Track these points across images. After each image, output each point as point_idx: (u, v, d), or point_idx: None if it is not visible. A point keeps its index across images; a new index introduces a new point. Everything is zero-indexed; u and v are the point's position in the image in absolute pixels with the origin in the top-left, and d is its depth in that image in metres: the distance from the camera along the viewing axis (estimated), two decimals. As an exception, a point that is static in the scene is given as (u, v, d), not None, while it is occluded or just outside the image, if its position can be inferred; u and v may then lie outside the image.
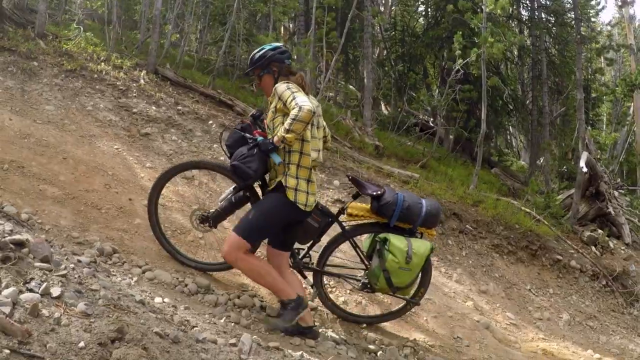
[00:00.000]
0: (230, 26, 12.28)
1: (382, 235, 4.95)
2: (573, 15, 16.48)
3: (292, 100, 4.35)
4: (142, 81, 9.80)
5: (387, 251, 4.83)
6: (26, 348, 2.32)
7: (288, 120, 4.32)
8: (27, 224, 4.04)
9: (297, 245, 5.21)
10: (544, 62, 16.64)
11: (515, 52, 19.02)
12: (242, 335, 3.38)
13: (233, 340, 3.25)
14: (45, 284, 2.78)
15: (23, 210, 5.18)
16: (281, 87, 4.53)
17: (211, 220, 5.24)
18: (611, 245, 10.51)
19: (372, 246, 5.13)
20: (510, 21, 18.32)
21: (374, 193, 5.04)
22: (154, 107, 9.02)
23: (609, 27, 27.65)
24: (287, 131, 4.33)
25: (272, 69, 4.85)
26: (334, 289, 6.18)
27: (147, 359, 2.34)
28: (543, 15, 18.25)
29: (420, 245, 4.91)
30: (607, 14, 72.43)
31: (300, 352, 3.75)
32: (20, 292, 2.63)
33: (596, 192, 11.62)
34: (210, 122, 9.34)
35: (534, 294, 8.62)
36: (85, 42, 10.98)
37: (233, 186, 5.28)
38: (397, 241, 4.84)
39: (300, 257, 5.28)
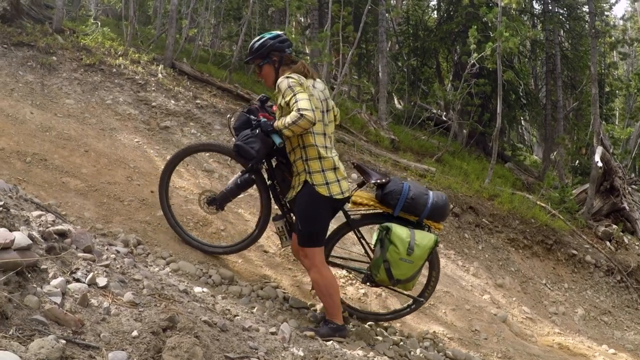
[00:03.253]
0: (246, 21, 12.33)
1: (384, 224, 4.78)
2: (586, 9, 16.43)
3: (293, 102, 4.28)
4: (160, 75, 9.87)
5: (388, 241, 4.68)
6: (81, 338, 2.32)
7: (288, 119, 4.29)
8: (60, 215, 4.07)
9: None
10: (557, 56, 16.57)
11: (528, 46, 18.95)
12: (282, 324, 3.42)
13: (273, 329, 3.29)
14: (91, 274, 2.80)
15: (47, 202, 5.24)
16: (283, 84, 4.42)
17: (218, 202, 5.28)
18: (626, 240, 10.50)
19: (378, 237, 4.97)
20: (523, 15, 18.25)
21: (378, 181, 4.91)
22: (172, 101, 9.09)
23: (621, 21, 27.46)
24: (286, 128, 4.32)
25: (272, 58, 4.75)
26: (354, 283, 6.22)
27: (200, 347, 2.32)
28: (556, 9, 18.15)
29: (423, 237, 4.72)
30: (619, 7, 71.29)
31: (331, 342, 3.80)
32: (68, 282, 2.65)
33: (610, 187, 11.60)
34: (229, 115, 9.36)
35: (549, 289, 8.65)
36: (102, 37, 11.05)
37: (241, 170, 5.31)
38: (399, 231, 4.67)
39: None
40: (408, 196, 4.80)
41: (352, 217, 5.18)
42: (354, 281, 6.19)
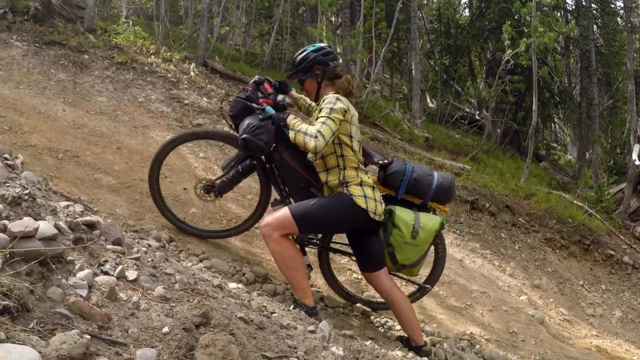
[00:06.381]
0: (278, 19, 12.30)
1: (387, 207, 4.44)
2: (620, 4, 16.15)
3: (321, 123, 4.03)
4: (192, 73, 9.86)
5: (391, 224, 4.39)
6: (107, 333, 2.19)
7: (304, 128, 4.04)
8: (89, 207, 4.00)
9: None
10: (592, 53, 16.23)
11: (562, 43, 18.66)
12: (321, 322, 3.31)
13: (311, 327, 3.15)
14: (120, 266, 2.68)
15: (78, 197, 5.21)
16: (329, 100, 4.16)
17: (217, 190, 5.02)
18: (663, 242, 10.28)
19: None
20: (556, 11, 17.99)
21: (381, 162, 4.65)
22: (205, 99, 9.07)
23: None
24: (296, 133, 4.07)
25: (314, 72, 4.47)
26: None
27: (236, 345, 2.16)
28: (591, 5, 17.83)
29: (428, 220, 4.43)
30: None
31: (370, 341, 3.70)
32: (95, 274, 2.53)
33: (648, 186, 11.36)
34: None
35: (586, 290, 8.47)
36: (134, 35, 11.09)
37: (236, 153, 5.07)
38: (402, 214, 4.39)
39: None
40: (412, 177, 4.52)
41: None
42: (352, 267, 6.02)
